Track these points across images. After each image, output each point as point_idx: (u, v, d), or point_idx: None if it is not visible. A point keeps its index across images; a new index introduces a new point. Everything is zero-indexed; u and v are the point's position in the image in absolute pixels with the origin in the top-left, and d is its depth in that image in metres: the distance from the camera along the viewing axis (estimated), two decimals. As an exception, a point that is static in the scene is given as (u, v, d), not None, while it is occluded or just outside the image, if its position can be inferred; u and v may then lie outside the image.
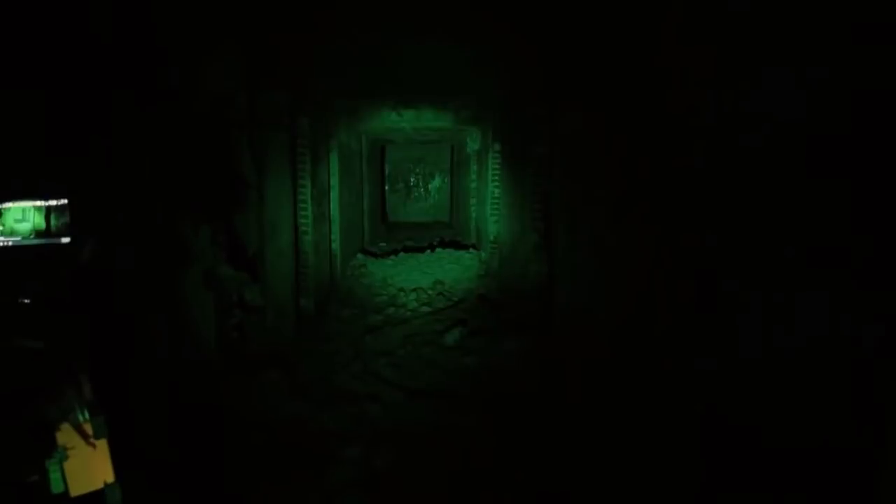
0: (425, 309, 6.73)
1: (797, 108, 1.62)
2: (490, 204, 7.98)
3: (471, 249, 9.94)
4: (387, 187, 14.74)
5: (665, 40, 2.37)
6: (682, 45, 2.22)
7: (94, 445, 1.67)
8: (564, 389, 3.96)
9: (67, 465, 1.62)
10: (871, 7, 1.37)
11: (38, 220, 3.11)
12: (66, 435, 1.64)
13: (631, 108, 2.82)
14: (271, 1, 3.73)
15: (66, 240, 3.08)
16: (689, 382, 2.23)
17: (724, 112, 1.98)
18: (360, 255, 9.71)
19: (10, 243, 3.03)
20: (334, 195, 7.17)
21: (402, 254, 9.91)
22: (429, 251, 10.06)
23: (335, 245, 7.37)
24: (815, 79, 1.56)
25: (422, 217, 14.68)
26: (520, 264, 5.69)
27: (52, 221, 3.12)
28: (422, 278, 8.27)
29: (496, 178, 7.66)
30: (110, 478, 1.69)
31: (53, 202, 3.10)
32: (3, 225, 3.05)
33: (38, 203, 3.11)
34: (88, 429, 1.66)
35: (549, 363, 4.51)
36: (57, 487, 1.60)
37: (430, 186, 15.10)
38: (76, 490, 1.64)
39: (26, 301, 2.83)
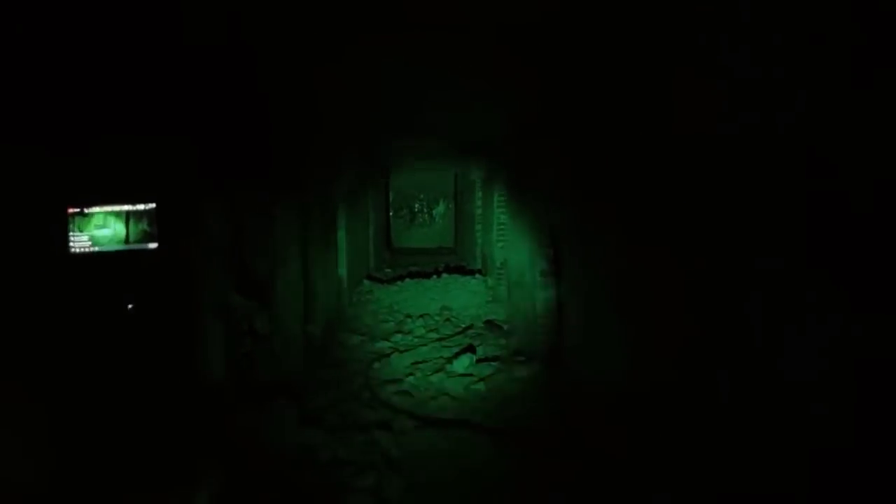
0: (433, 335, 6.72)
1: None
2: (496, 230, 8.02)
3: (476, 275, 9.95)
4: (391, 213, 14.83)
5: (676, 72, 2.42)
6: (692, 78, 2.27)
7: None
8: (576, 417, 3.93)
9: None
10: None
11: (119, 227, 3.09)
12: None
13: (639, 135, 2.87)
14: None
15: (152, 245, 3.12)
16: (711, 413, 2.22)
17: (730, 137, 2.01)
18: (366, 282, 9.71)
19: (96, 249, 3.04)
20: (341, 222, 7.22)
21: (407, 280, 9.92)
22: (434, 277, 10.07)
23: (342, 271, 7.39)
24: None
25: (426, 243, 14.74)
26: (528, 290, 5.68)
27: (131, 228, 3.11)
28: (428, 304, 8.26)
29: (502, 204, 7.70)
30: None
31: (141, 206, 3.09)
32: (87, 231, 3.02)
33: (120, 208, 3.08)
34: None
35: (560, 390, 4.48)
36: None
37: (434, 212, 15.20)
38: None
39: (130, 307, 3.01)
